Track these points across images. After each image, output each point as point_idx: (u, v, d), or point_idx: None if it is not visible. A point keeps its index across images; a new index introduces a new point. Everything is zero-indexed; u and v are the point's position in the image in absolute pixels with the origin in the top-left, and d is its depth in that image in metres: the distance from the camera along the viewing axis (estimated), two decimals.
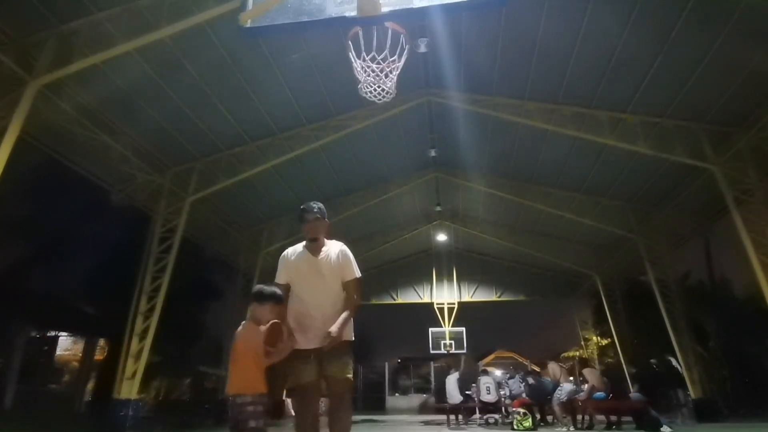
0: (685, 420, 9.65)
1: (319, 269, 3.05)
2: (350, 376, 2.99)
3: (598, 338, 21.11)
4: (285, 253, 3.23)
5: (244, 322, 2.99)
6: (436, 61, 9.32)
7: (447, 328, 18.74)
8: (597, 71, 8.88)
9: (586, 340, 21.63)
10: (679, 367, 9.29)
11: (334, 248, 3.15)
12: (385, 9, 3.08)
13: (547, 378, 10.78)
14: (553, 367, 9.81)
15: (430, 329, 18.47)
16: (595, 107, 9.79)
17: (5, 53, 6.65)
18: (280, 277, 3.14)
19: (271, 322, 2.80)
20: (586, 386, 9.48)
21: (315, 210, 3.16)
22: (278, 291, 3.09)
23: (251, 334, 2.82)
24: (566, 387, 9.44)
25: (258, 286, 3.08)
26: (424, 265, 20.47)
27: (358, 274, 3.11)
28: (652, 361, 9.83)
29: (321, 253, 3.10)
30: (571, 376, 10.51)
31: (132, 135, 9.66)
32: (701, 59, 7.97)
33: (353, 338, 3.06)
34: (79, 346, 16.28)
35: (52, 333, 15.71)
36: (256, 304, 3.01)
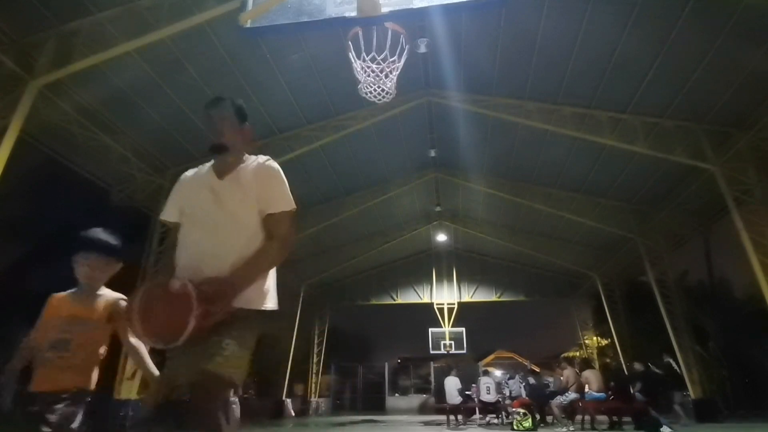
0: (681, 420, 9.64)
1: (221, 198, 1.80)
2: (226, 370, 1.55)
3: (598, 338, 21.12)
4: (183, 175, 2.02)
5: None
6: (435, 61, 9.32)
7: (447, 329, 18.73)
8: (597, 71, 8.88)
9: (585, 340, 21.63)
10: (678, 369, 9.30)
11: (250, 164, 1.91)
12: (384, 9, 3.08)
13: (549, 379, 10.79)
14: (568, 374, 9.78)
15: (430, 329, 18.46)
16: (595, 107, 9.79)
17: (5, 53, 6.65)
18: (168, 212, 1.93)
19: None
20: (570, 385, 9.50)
21: (223, 105, 2.02)
22: (112, 240, 2.22)
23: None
24: (572, 395, 9.43)
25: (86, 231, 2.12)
26: (423, 265, 20.47)
27: (290, 204, 1.87)
28: (646, 364, 9.82)
29: (229, 174, 1.87)
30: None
31: (132, 135, 9.66)
32: (701, 60, 7.97)
33: (267, 305, 1.76)
34: None
35: None
36: (79, 257, 2.13)
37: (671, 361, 9.54)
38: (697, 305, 14.77)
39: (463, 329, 18.38)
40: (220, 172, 1.89)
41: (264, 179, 1.88)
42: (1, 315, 11.53)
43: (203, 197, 1.83)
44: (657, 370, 9.85)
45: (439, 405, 13.10)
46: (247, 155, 1.98)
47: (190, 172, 2.01)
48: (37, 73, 6.82)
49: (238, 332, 1.63)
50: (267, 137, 10.77)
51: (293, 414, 17.34)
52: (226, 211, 1.79)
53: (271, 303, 1.78)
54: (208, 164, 1.97)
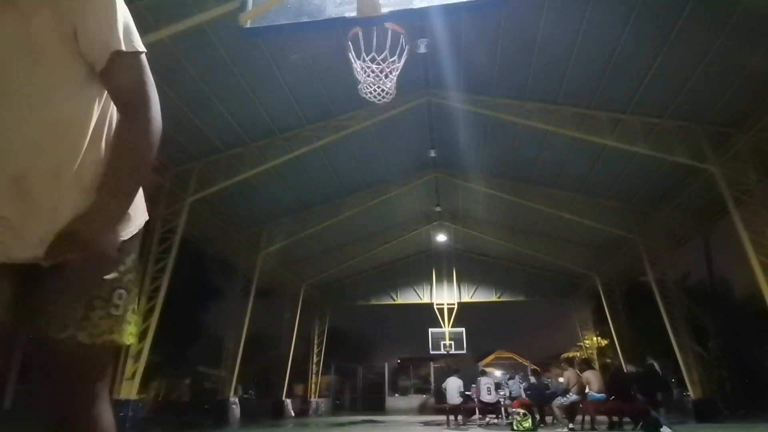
0: (669, 419, 9.65)
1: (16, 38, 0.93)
2: (105, 337, 1.03)
3: (598, 339, 21.11)
4: None
5: None
6: (435, 61, 9.32)
7: (447, 329, 18.73)
8: (597, 72, 8.88)
9: (585, 340, 21.63)
10: (659, 372, 9.36)
11: None
12: (384, 10, 3.08)
13: (548, 379, 10.79)
14: (569, 375, 9.79)
15: (430, 330, 18.46)
16: (594, 108, 9.80)
17: None
18: None
19: None
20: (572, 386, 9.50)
21: None
22: None
23: None
24: (573, 396, 9.43)
25: None
26: (423, 265, 20.46)
27: (138, 45, 1.09)
28: (627, 366, 9.86)
29: None
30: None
31: None
32: (701, 60, 7.98)
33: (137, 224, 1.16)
34: None
35: None
36: None
37: (654, 363, 9.56)
38: (697, 305, 14.77)
39: (463, 329, 18.38)
40: None
41: None
42: None
43: None
44: (642, 371, 9.87)
45: (439, 405, 13.10)
46: None
47: None
48: None
49: (105, 278, 1.06)
50: (267, 137, 10.78)
51: (293, 414, 17.34)
52: (23, 60, 0.94)
53: (140, 218, 1.16)
54: None
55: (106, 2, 1.02)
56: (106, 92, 1.06)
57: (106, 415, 1.06)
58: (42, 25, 0.94)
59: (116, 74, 1.02)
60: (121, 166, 1.02)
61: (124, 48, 1.02)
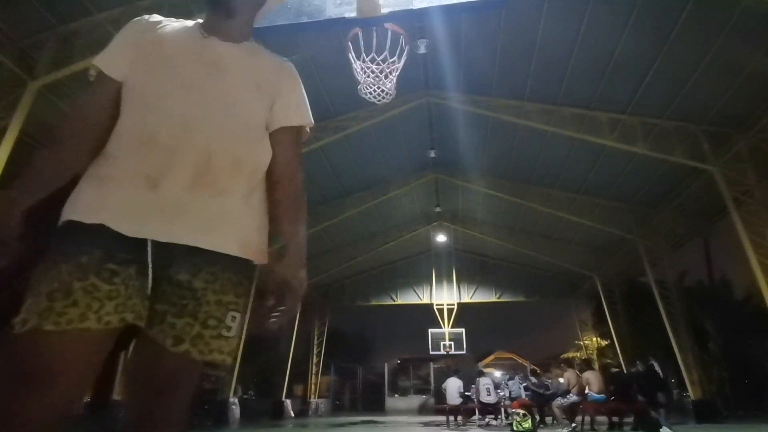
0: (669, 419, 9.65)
1: (225, 66, 1.25)
2: (224, 356, 1.09)
3: (598, 339, 21.10)
4: (142, 19, 1.32)
5: None
6: (435, 62, 9.33)
7: (446, 329, 18.72)
8: (596, 72, 8.89)
9: (585, 341, 21.62)
10: (659, 372, 9.36)
11: (263, 53, 1.42)
12: (384, 10, 3.09)
13: (548, 380, 10.79)
14: (569, 376, 9.80)
15: (430, 330, 18.45)
16: (594, 108, 9.80)
17: (5, 54, 6.65)
18: (110, 59, 1.25)
19: None
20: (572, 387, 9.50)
21: None
22: None
23: None
24: (573, 397, 9.44)
25: None
26: (423, 266, 20.46)
27: (310, 119, 1.39)
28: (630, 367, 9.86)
29: (235, 43, 1.31)
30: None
31: None
32: (700, 60, 7.98)
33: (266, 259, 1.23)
34: None
35: None
36: None
37: (654, 363, 9.55)
38: (696, 306, 14.76)
39: (463, 330, 18.37)
40: (223, 35, 1.26)
41: (285, 78, 1.39)
42: None
43: (188, 55, 1.20)
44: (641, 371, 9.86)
45: (439, 406, 13.09)
46: (252, 40, 1.39)
47: (155, 17, 1.30)
48: (37, 73, 6.82)
49: (242, 290, 1.17)
50: None
51: (293, 414, 17.33)
52: (230, 85, 1.21)
53: (265, 252, 1.25)
54: (192, 21, 1.32)
55: (298, 98, 1.38)
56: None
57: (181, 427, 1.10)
58: (263, 86, 1.28)
59: (287, 136, 1.31)
60: (300, 216, 1.26)
61: (295, 124, 1.33)
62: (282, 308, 1.12)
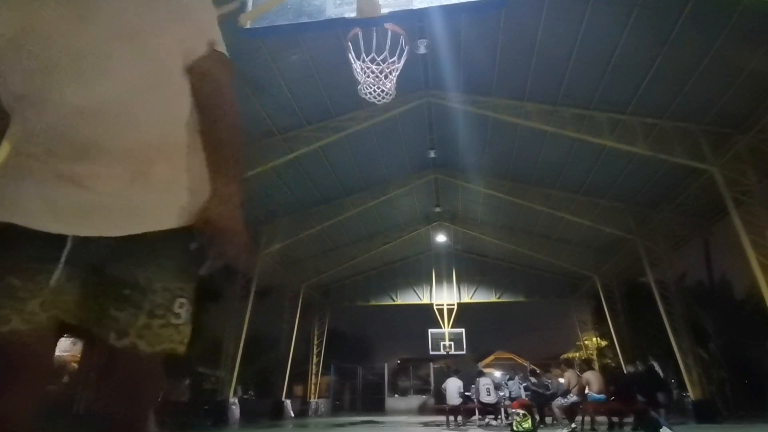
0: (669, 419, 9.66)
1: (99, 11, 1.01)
2: (164, 346, 1.00)
3: (598, 339, 21.11)
4: None
5: None
6: (435, 62, 9.32)
7: (446, 329, 18.72)
8: (596, 72, 8.88)
9: (585, 341, 21.62)
10: (659, 372, 9.39)
11: None
12: (384, 10, 3.09)
13: (547, 380, 10.79)
14: (569, 376, 9.81)
15: (430, 330, 18.46)
16: (594, 108, 9.80)
17: None
18: None
19: None
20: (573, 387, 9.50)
21: None
22: None
23: None
24: (573, 398, 9.44)
25: None
26: (423, 266, 20.45)
27: (224, 54, 1.19)
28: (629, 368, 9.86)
29: None
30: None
31: None
32: (700, 61, 7.98)
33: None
34: (78, 347, 16.27)
35: None
36: None
37: (654, 364, 9.58)
38: (696, 306, 14.76)
39: (463, 330, 18.38)
40: None
41: None
42: None
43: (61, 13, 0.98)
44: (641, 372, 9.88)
45: (439, 406, 13.09)
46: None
47: None
48: None
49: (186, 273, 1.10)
50: (267, 137, 10.77)
51: (293, 415, 17.32)
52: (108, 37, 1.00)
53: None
54: None
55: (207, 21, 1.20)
56: None
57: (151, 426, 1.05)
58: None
59: (202, 73, 1.14)
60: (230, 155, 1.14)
61: (206, 61, 1.15)
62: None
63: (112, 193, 0.99)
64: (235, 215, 1.10)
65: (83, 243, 0.98)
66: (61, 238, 0.97)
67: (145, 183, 1.03)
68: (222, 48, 1.18)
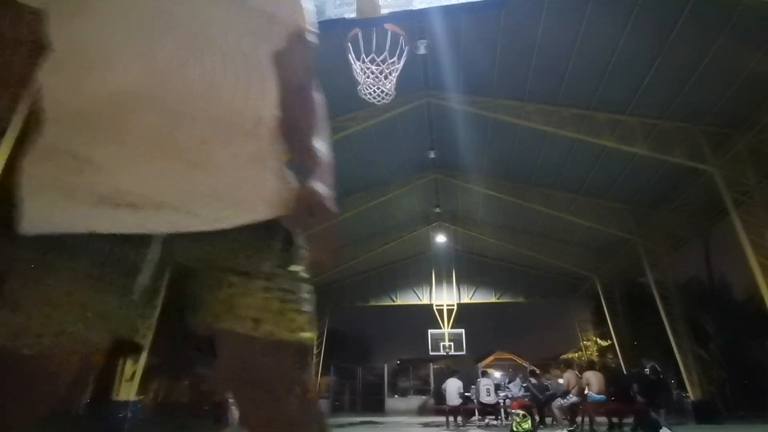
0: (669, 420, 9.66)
1: None
2: (305, 333, 0.91)
3: (598, 340, 21.11)
4: None
5: None
6: (435, 62, 9.32)
7: (446, 330, 18.71)
8: (596, 73, 8.89)
9: (585, 341, 21.62)
10: (659, 373, 9.40)
11: None
12: (384, 11, 3.09)
13: (547, 380, 10.78)
14: (569, 376, 9.81)
15: (430, 331, 18.44)
16: (594, 109, 9.80)
17: None
18: None
19: None
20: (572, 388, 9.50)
21: None
22: None
23: None
24: (573, 398, 9.44)
25: None
26: (423, 266, 20.45)
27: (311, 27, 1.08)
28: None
29: None
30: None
31: None
32: (700, 61, 7.98)
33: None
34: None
35: None
36: None
37: (653, 364, 9.58)
38: (696, 307, 14.76)
39: (463, 330, 18.36)
40: None
41: None
42: None
43: None
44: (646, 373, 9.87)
45: (439, 406, 13.09)
46: None
47: None
48: None
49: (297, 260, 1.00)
50: None
51: None
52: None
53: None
54: None
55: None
56: None
57: (317, 412, 0.95)
58: None
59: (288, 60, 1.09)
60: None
61: (294, 38, 1.10)
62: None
63: (205, 183, 0.88)
64: (328, 201, 1.00)
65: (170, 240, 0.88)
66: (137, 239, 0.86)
67: (236, 170, 0.92)
68: (311, 23, 1.07)
